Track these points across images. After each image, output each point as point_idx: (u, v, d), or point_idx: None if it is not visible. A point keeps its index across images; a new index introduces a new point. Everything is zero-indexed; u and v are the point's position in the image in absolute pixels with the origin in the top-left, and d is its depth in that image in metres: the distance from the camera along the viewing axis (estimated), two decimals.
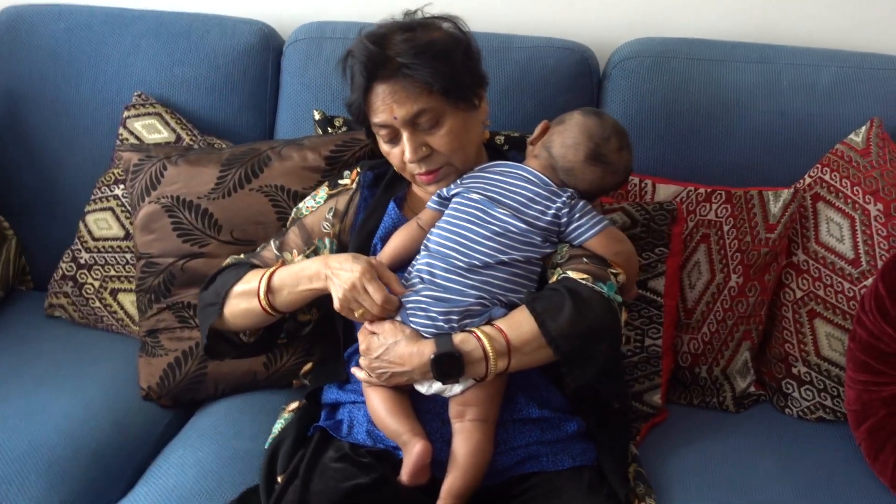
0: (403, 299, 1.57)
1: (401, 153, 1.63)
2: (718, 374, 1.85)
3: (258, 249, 1.80)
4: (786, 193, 1.83)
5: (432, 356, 1.50)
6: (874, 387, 1.63)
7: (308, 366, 1.89)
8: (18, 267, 2.21)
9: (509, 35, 2.10)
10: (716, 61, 1.99)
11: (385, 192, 1.79)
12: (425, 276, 1.58)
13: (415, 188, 1.76)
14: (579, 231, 1.60)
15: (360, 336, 1.61)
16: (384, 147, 1.67)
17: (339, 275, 1.56)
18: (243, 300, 1.66)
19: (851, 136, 1.86)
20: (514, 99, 2.03)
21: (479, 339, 1.50)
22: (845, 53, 1.99)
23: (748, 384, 1.86)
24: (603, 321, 1.51)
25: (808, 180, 1.87)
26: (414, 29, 1.64)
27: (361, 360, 1.60)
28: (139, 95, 2.13)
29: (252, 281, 1.65)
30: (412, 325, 1.56)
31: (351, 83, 1.65)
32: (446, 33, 1.66)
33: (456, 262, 1.58)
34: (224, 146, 2.06)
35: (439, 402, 1.59)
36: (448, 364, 1.50)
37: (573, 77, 2.03)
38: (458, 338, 1.52)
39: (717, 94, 1.97)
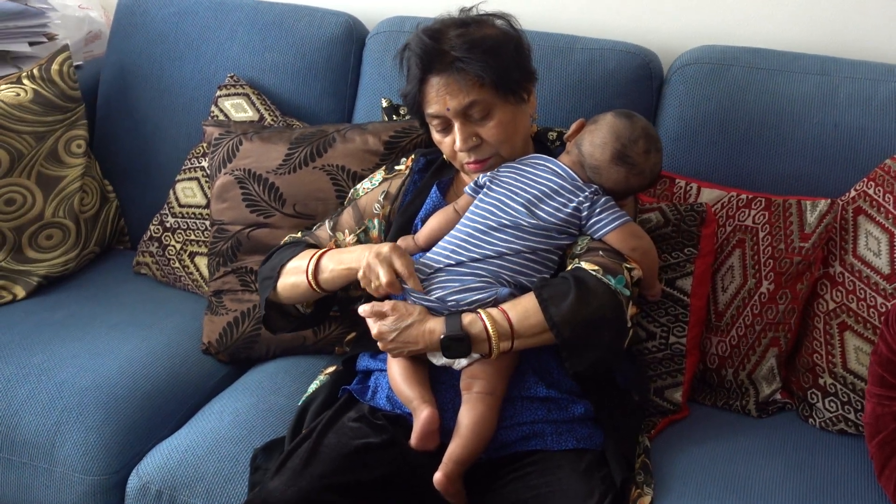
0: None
1: (452, 142, 1.74)
2: (744, 378, 1.87)
3: (314, 228, 1.93)
4: (822, 204, 1.83)
5: (441, 337, 1.60)
6: (887, 401, 1.62)
7: (352, 335, 2.01)
8: (117, 227, 2.43)
9: (575, 36, 2.17)
10: (774, 71, 2.01)
11: (432, 177, 1.90)
12: (443, 260, 1.69)
13: (463, 175, 1.86)
14: (598, 225, 1.67)
15: (369, 322, 1.69)
16: (436, 136, 1.78)
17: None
18: (294, 276, 1.77)
19: None
20: (573, 98, 2.10)
21: (484, 322, 1.59)
22: None
23: (773, 391, 1.87)
24: (605, 311, 1.57)
25: (852, 193, 1.87)
26: (468, 25, 1.74)
27: (379, 344, 1.70)
28: (231, 77, 2.31)
29: (303, 259, 1.78)
30: (424, 303, 1.67)
31: (407, 74, 1.77)
32: (499, 30, 1.76)
33: (469, 252, 1.67)
34: (301, 127, 2.22)
35: (455, 374, 1.68)
36: (455, 345, 1.60)
37: (632, 80, 2.09)
38: (466, 319, 1.61)
39: (772, 104, 1.99)
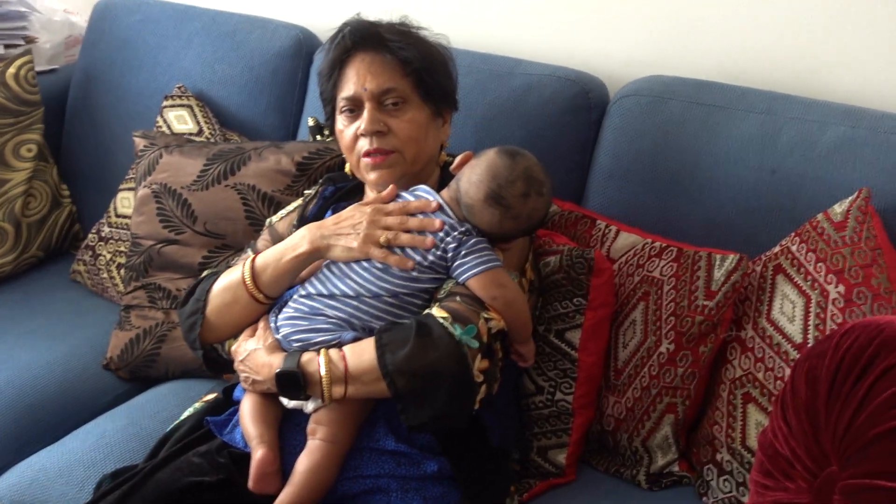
0: (278, 309, 1.61)
1: (356, 129, 1.65)
2: (638, 446, 1.69)
3: (232, 262, 1.81)
4: (730, 259, 1.63)
5: (277, 371, 1.51)
6: (762, 489, 1.42)
7: None
8: (69, 233, 2.43)
9: (519, 59, 2.03)
10: (716, 107, 1.82)
11: (335, 202, 1.81)
12: (303, 293, 1.59)
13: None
14: (462, 269, 1.54)
15: (242, 334, 1.64)
16: (340, 125, 1.69)
17: (343, 225, 1.58)
18: (228, 294, 1.65)
19: (836, 206, 1.63)
20: (503, 126, 1.96)
21: (319, 363, 1.49)
22: (861, 111, 1.73)
23: (668, 462, 1.68)
24: (445, 363, 1.44)
25: (776, 249, 1.66)
26: (408, 26, 1.72)
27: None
28: (179, 87, 2.27)
29: (234, 273, 1.66)
30: (276, 336, 1.58)
31: (330, 53, 1.70)
32: (434, 42, 1.73)
33: (324, 285, 1.58)
34: (236, 142, 2.16)
35: (307, 418, 1.59)
36: (289, 382, 1.50)
37: (567, 110, 1.93)
38: (305, 357, 1.51)
39: (707, 143, 1.80)
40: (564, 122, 1.94)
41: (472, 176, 1.57)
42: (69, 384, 1.95)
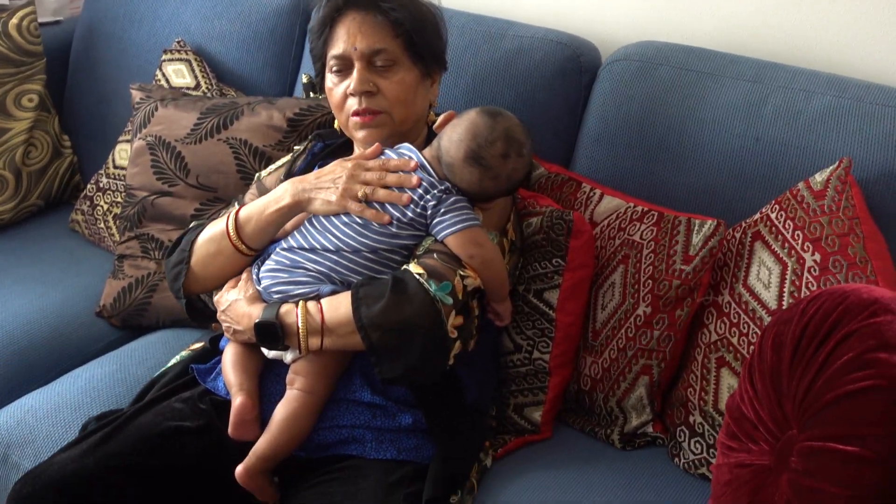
0: (261, 261, 1.63)
1: (345, 88, 1.66)
2: (613, 406, 1.72)
3: (221, 215, 1.82)
4: (708, 225, 1.65)
5: (255, 322, 1.54)
6: (726, 451, 1.45)
7: None
8: (69, 183, 2.47)
9: (510, 22, 2.04)
10: (705, 74, 1.82)
11: (323, 159, 1.83)
12: (285, 246, 1.62)
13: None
14: (441, 226, 1.56)
15: (225, 285, 1.67)
16: (329, 83, 1.69)
17: (324, 179, 1.59)
18: (212, 245, 1.67)
19: (816, 175, 1.64)
20: (493, 88, 1.97)
21: (297, 314, 1.52)
22: (846, 81, 1.74)
23: (643, 422, 1.71)
24: (419, 318, 1.46)
25: (756, 216, 1.68)
26: None
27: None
28: (178, 42, 2.29)
29: (218, 224, 1.68)
30: (258, 287, 1.61)
31: (321, 9, 1.70)
32: (427, 2, 1.72)
33: (306, 238, 1.60)
34: (232, 96, 2.18)
35: (287, 368, 1.62)
36: (267, 332, 1.53)
37: (558, 74, 1.94)
38: (284, 308, 1.54)
39: (694, 110, 1.80)
40: (555, 86, 1.94)
41: (453, 135, 1.58)
42: (62, 330, 1.99)
